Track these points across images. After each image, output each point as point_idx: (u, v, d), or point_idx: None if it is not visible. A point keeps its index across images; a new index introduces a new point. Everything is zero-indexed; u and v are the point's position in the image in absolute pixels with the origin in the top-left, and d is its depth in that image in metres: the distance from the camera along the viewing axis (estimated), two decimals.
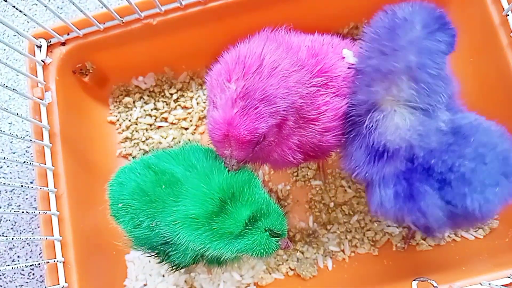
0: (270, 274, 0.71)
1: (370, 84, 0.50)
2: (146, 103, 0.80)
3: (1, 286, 0.77)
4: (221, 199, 0.48)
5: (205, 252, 0.50)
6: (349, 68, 0.55)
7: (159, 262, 0.56)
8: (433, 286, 0.56)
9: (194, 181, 0.50)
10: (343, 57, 0.56)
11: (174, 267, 0.56)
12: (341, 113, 0.54)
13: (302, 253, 0.71)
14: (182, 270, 0.71)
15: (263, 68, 0.46)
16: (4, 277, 0.78)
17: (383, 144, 0.50)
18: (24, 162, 0.59)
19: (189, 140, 0.75)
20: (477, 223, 0.52)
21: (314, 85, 0.52)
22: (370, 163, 0.52)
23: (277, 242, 0.51)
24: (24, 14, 0.59)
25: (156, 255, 0.56)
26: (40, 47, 0.67)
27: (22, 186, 0.58)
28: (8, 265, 0.64)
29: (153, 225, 0.52)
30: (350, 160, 0.54)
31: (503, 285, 0.55)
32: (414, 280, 0.58)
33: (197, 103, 0.79)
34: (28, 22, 0.88)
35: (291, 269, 0.71)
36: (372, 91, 0.50)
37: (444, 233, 0.53)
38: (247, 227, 0.48)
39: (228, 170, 0.50)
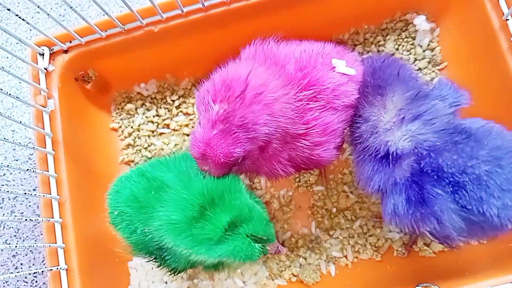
0: (273, 280, 0.71)
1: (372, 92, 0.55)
2: (148, 109, 0.80)
3: None
4: (200, 205, 0.48)
5: (191, 257, 0.50)
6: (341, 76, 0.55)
7: (158, 267, 0.56)
8: None
9: (177, 187, 0.51)
10: (333, 68, 0.55)
11: (172, 272, 0.56)
12: (331, 128, 0.53)
13: (305, 259, 0.71)
14: (185, 277, 0.71)
15: (246, 93, 0.45)
16: (8, 285, 0.78)
17: (384, 147, 0.51)
18: (27, 169, 0.59)
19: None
20: (495, 231, 0.49)
21: (301, 99, 0.51)
22: (379, 169, 0.52)
23: (263, 247, 0.50)
24: (27, 22, 0.59)
25: (154, 260, 0.56)
26: (42, 55, 0.68)
27: (25, 193, 0.58)
28: (11, 273, 0.64)
29: (145, 230, 0.53)
30: (362, 173, 0.54)
31: None
32: (417, 286, 0.58)
33: None
34: (30, 30, 0.89)
35: (294, 275, 0.71)
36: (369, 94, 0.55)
37: (464, 242, 0.50)
38: (227, 233, 0.48)
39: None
